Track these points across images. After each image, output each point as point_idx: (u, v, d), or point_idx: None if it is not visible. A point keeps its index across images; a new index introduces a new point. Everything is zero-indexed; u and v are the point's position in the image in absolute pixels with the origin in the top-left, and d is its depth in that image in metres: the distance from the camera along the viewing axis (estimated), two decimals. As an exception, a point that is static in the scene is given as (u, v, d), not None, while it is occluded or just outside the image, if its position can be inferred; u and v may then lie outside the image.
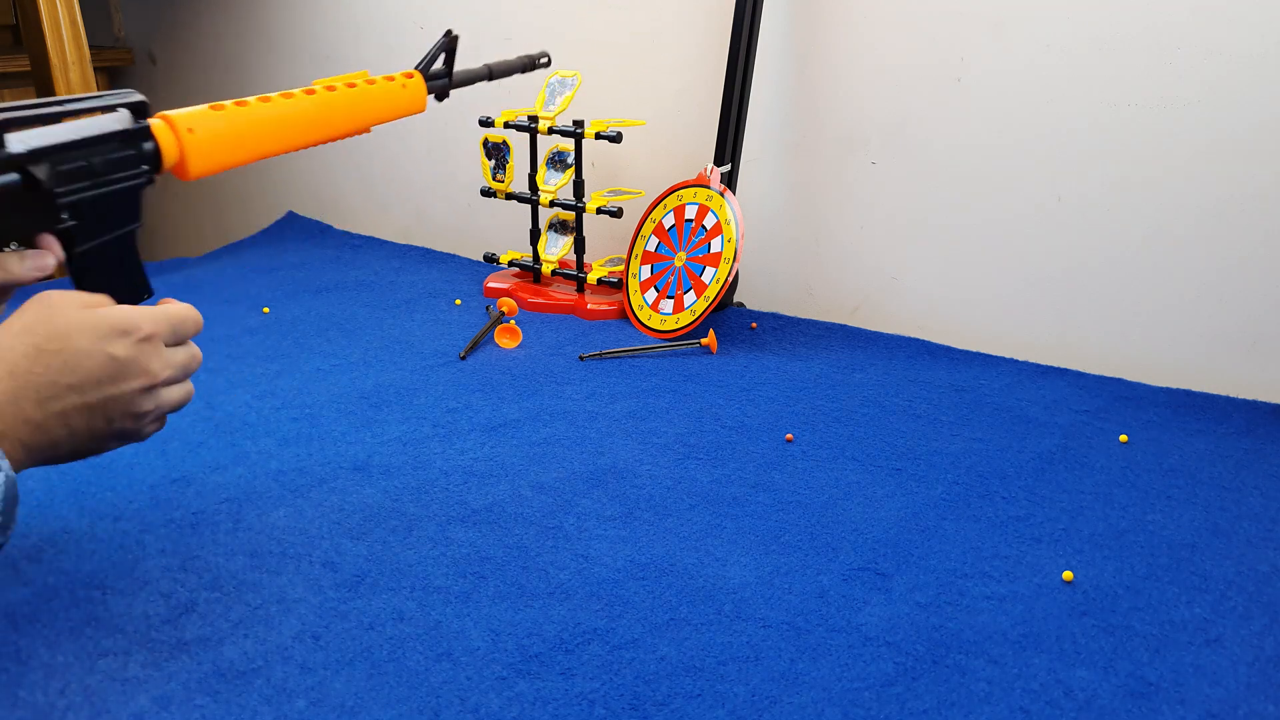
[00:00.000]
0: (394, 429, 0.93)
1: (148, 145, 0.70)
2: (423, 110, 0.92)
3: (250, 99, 0.78)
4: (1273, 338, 1.02)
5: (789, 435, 0.92)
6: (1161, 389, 1.02)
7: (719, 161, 1.22)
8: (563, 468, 0.86)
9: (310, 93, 0.82)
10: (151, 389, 0.64)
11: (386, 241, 1.61)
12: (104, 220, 0.68)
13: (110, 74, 2.11)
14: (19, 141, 0.63)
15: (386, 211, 1.74)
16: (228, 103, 0.76)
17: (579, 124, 1.22)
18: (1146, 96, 1.04)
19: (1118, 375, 1.07)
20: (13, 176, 0.63)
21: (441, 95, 0.96)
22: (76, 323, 0.62)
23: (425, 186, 1.67)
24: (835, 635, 0.64)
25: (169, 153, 0.71)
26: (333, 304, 1.29)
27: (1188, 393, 1.00)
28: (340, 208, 1.79)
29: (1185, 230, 1.04)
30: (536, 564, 0.72)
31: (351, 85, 0.86)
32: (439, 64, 0.95)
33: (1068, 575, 0.70)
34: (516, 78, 1.50)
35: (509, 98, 1.51)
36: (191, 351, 0.68)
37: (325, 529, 0.76)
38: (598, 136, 1.22)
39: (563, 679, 0.60)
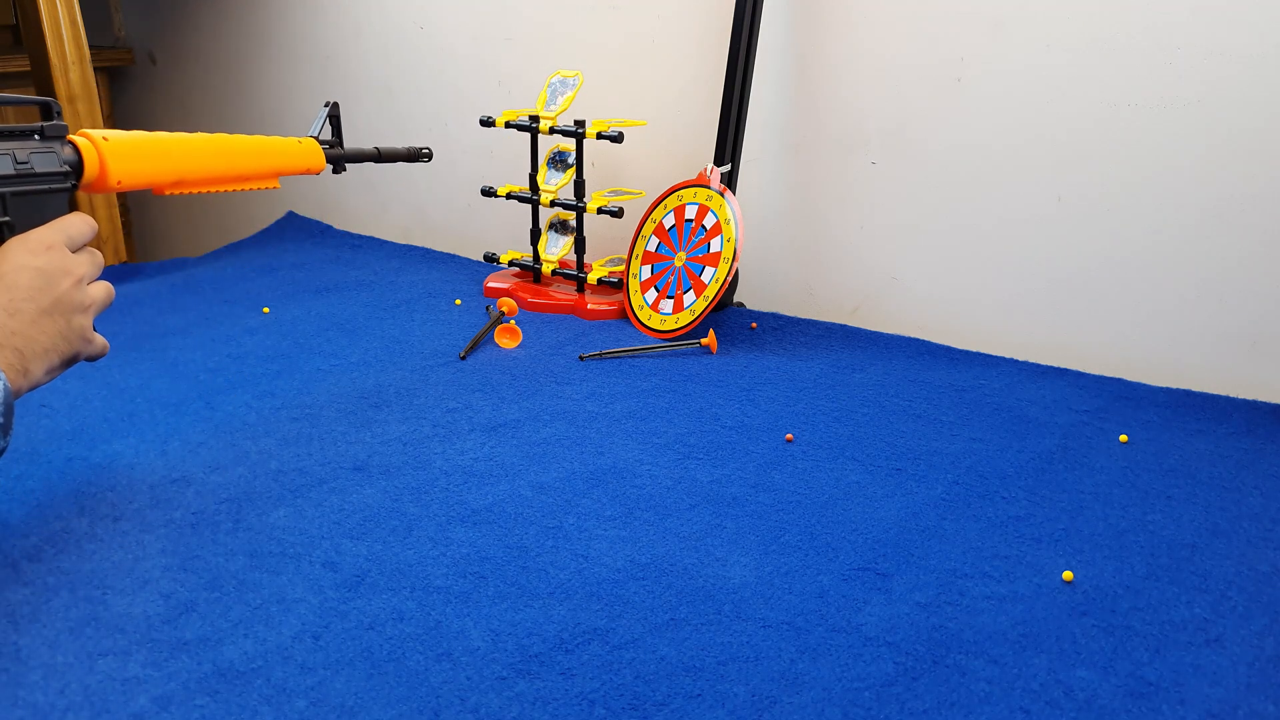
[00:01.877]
0: (394, 429, 0.93)
1: (67, 150, 0.78)
2: (320, 171, 1.02)
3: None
4: (1273, 338, 1.02)
5: (789, 435, 0.92)
6: (1161, 389, 1.02)
7: (719, 161, 1.22)
8: (563, 468, 0.86)
9: (215, 135, 0.92)
10: (79, 283, 0.74)
11: (386, 241, 1.62)
12: (35, 224, 0.76)
13: (110, 74, 2.11)
14: None
15: (386, 211, 1.74)
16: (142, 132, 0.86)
17: (580, 124, 1.22)
18: (1146, 96, 1.04)
19: (1118, 375, 1.07)
20: None
21: (338, 167, 1.05)
22: (8, 251, 0.73)
23: (425, 186, 1.67)
24: (835, 635, 0.64)
25: (90, 161, 0.79)
26: (333, 304, 1.29)
27: (1188, 393, 1.00)
28: (340, 208, 1.79)
29: (1185, 230, 1.04)
30: (536, 564, 0.72)
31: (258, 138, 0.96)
32: (326, 132, 1.04)
33: (1068, 575, 0.70)
34: (520, 77, 1.51)
35: (510, 98, 1.51)
36: (92, 252, 0.77)
37: (325, 529, 0.76)
38: (599, 136, 1.22)
39: (563, 679, 0.60)
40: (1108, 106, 1.06)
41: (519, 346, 1.15)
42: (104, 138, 0.80)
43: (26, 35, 1.48)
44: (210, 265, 1.49)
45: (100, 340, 0.78)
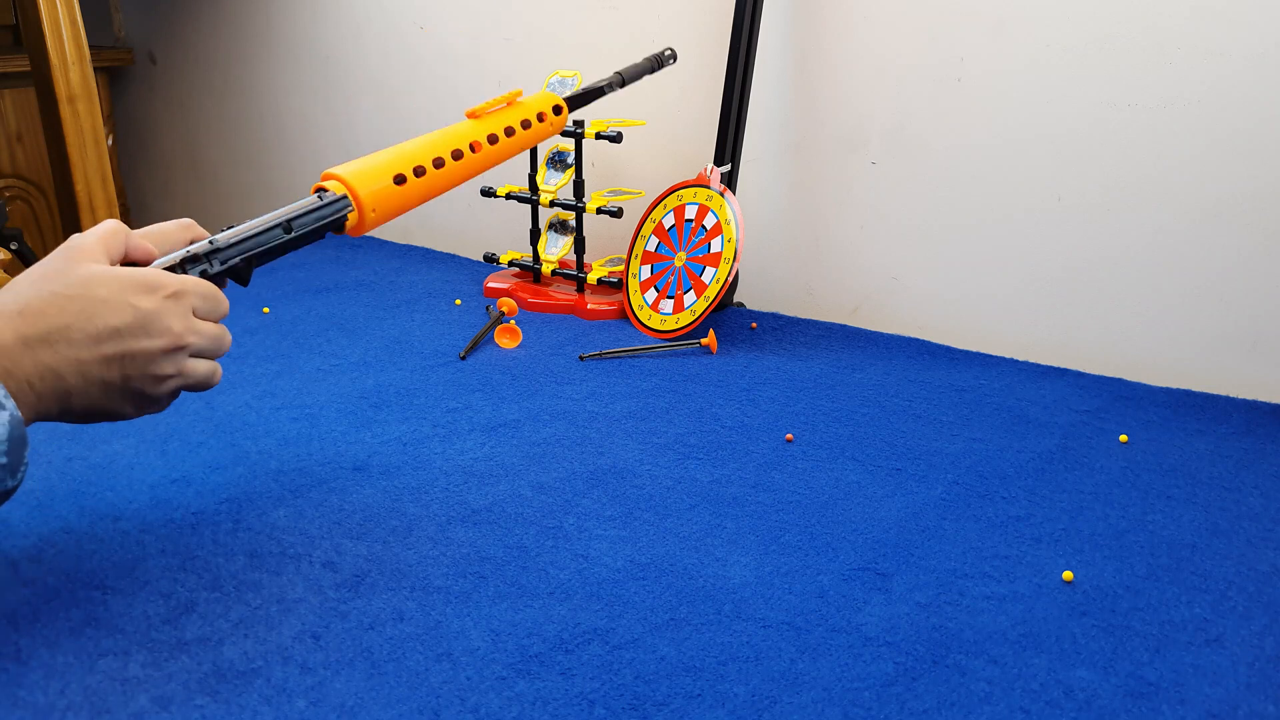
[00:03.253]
0: (394, 429, 0.93)
1: (334, 225, 0.78)
2: (557, 133, 0.96)
3: (426, 156, 0.83)
4: (1273, 338, 1.02)
5: (789, 435, 0.92)
6: (1161, 389, 1.02)
7: (719, 161, 1.22)
8: (563, 468, 0.86)
9: (477, 148, 0.87)
10: (175, 351, 0.63)
11: (386, 241, 1.62)
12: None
13: (110, 74, 2.11)
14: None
15: (386, 211, 1.74)
16: (408, 167, 0.82)
17: (579, 124, 1.22)
18: (1146, 96, 1.04)
19: (1118, 375, 1.07)
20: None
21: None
22: (99, 273, 0.61)
23: (425, 186, 1.67)
24: (835, 635, 0.64)
25: (350, 224, 0.78)
26: (333, 304, 1.29)
27: (1188, 393, 1.00)
28: (340, 208, 1.79)
29: (1185, 230, 1.04)
30: (536, 564, 0.72)
31: (510, 131, 0.90)
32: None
33: (1068, 575, 0.70)
34: (519, 76, 1.51)
35: (509, 98, 1.51)
36: (222, 329, 0.67)
37: (325, 529, 0.76)
38: (598, 136, 1.22)
39: (563, 679, 0.60)
40: (1108, 106, 1.06)
41: (519, 346, 1.15)
42: (373, 210, 0.78)
43: (26, 35, 1.48)
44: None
45: (168, 401, 0.66)
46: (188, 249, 0.70)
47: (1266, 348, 1.03)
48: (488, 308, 1.27)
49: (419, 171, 0.82)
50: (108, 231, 0.65)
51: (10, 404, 0.57)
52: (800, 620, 0.66)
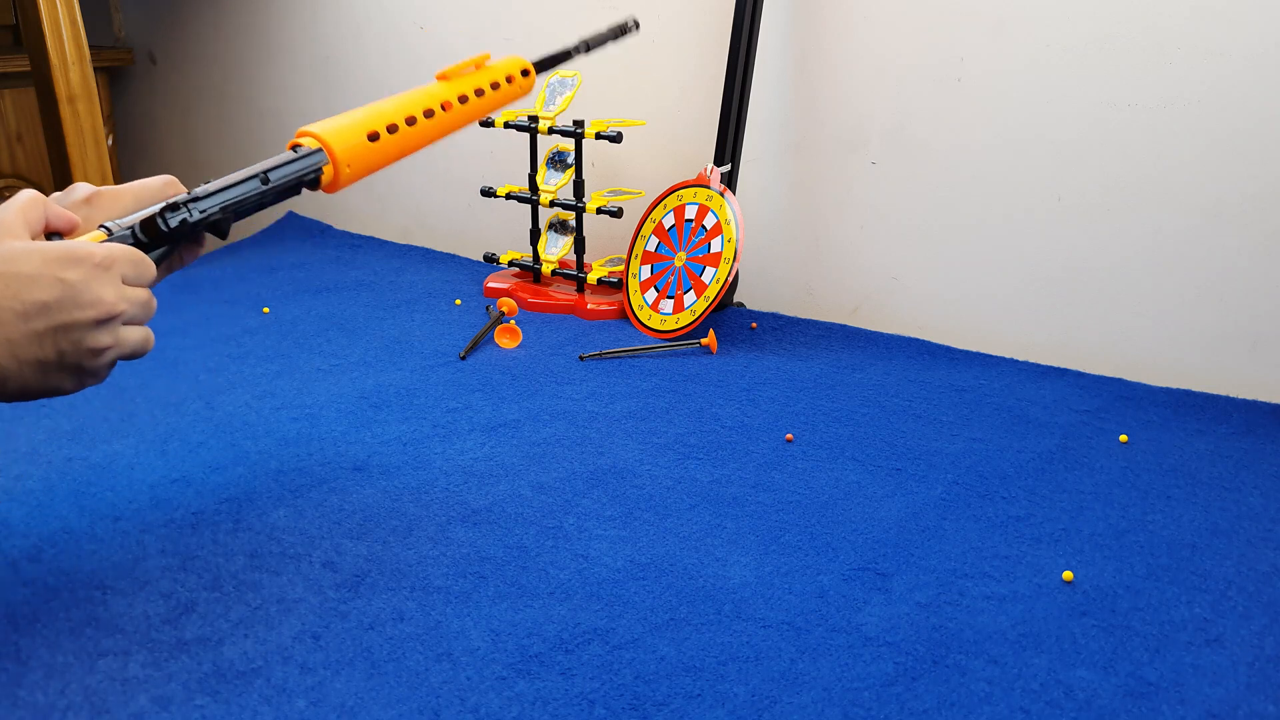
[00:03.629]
0: (394, 429, 0.93)
1: (310, 180, 0.77)
2: (524, 97, 0.96)
3: (399, 114, 0.84)
4: (1273, 338, 1.02)
5: (789, 435, 0.92)
6: (1161, 389, 1.02)
7: (719, 161, 1.22)
8: (563, 468, 0.86)
9: (448, 107, 0.88)
10: (108, 321, 0.61)
11: (386, 241, 1.61)
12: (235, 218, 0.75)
13: (110, 74, 2.11)
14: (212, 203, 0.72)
15: (386, 211, 1.74)
16: (381, 125, 0.82)
17: (579, 124, 1.22)
18: (1146, 96, 1.04)
19: (1118, 375, 1.07)
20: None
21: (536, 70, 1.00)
22: (21, 249, 0.59)
23: (425, 186, 1.67)
24: (835, 635, 0.64)
25: (324, 180, 0.77)
26: (333, 304, 1.29)
27: (1188, 393, 1.00)
28: (340, 208, 1.79)
29: (1185, 230, 1.04)
30: (536, 564, 0.72)
31: (480, 91, 0.90)
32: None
33: (1068, 575, 0.70)
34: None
35: (509, 98, 1.51)
36: (150, 294, 0.65)
37: (325, 529, 0.76)
38: (598, 136, 1.22)
39: (563, 679, 0.60)
40: (1108, 106, 1.06)
41: (519, 346, 1.15)
42: (348, 165, 0.78)
43: (26, 35, 1.48)
44: (210, 265, 1.49)
45: (107, 370, 0.63)
46: (168, 200, 0.70)
47: (1266, 348, 1.03)
48: (488, 308, 1.27)
49: (392, 129, 0.83)
50: (25, 204, 0.63)
51: None
52: (800, 620, 0.66)
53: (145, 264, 0.65)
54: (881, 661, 0.62)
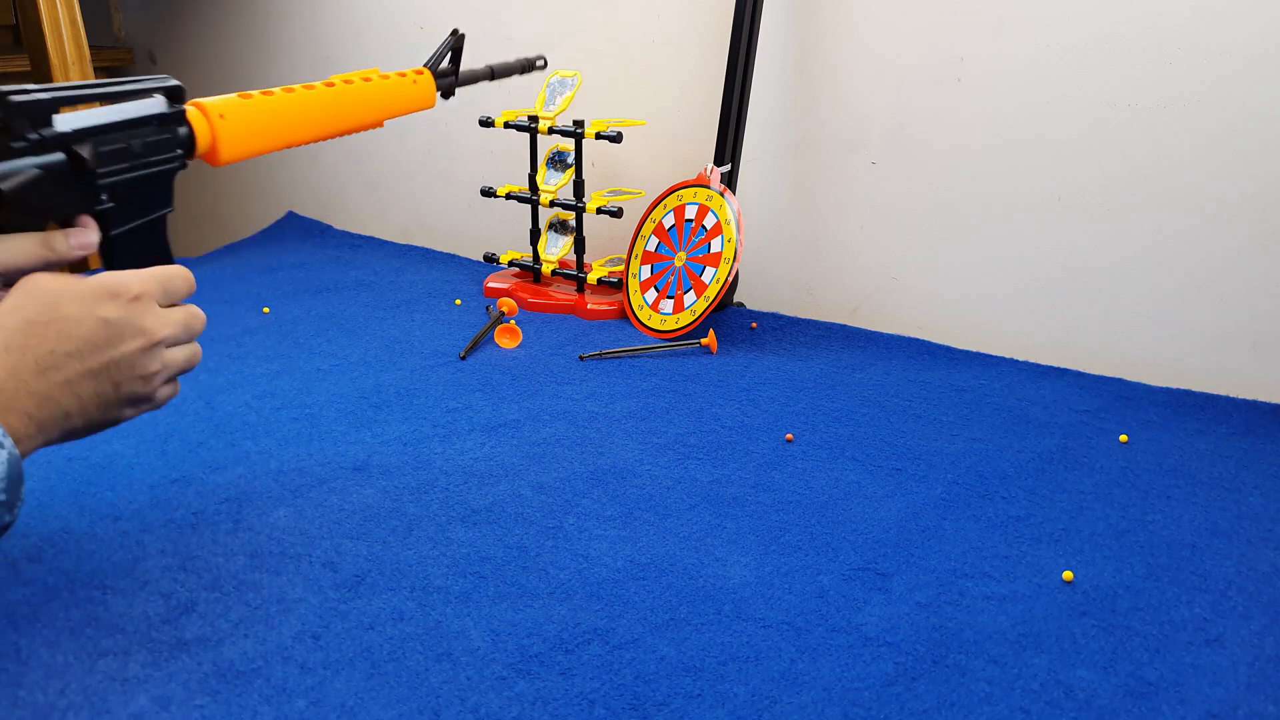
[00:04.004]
0: (394, 429, 0.93)
1: (182, 130, 0.72)
2: (431, 106, 0.95)
3: (274, 89, 0.82)
4: (1273, 338, 1.02)
5: (789, 435, 0.92)
6: (1161, 389, 1.02)
7: (719, 161, 1.22)
8: (563, 468, 0.86)
9: (329, 85, 0.85)
10: (152, 348, 0.64)
11: (386, 241, 1.61)
12: (139, 203, 0.69)
13: (110, 74, 2.11)
14: (65, 122, 0.64)
15: (386, 211, 1.74)
16: (254, 92, 0.79)
17: (579, 124, 1.22)
18: (1146, 96, 1.04)
19: (1118, 375, 1.07)
20: (59, 156, 0.64)
21: (448, 93, 0.99)
22: (63, 292, 0.61)
23: (425, 186, 1.67)
24: (835, 635, 0.64)
25: (202, 138, 0.73)
26: (333, 304, 1.29)
27: (1188, 393, 1.00)
28: (340, 208, 1.79)
29: (1185, 230, 1.05)
30: (536, 564, 0.72)
31: (366, 79, 0.89)
32: (446, 62, 0.98)
33: (1068, 575, 0.70)
34: (517, 78, 1.51)
35: (509, 98, 1.51)
36: (190, 310, 0.67)
37: (325, 529, 0.76)
38: (598, 136, 1.22)
39: (563, 679, 0.60)
40: (1108, 106, 1.06)
41: (519, 346, 1.15)
42: (220, 115, 0.74)
43: (26, 35, 1.48)
44: (210, 265, 1.49)
45: (164, 394, 0.67)
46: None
47: (1266, 348, 1.03)
48: (488, 308, 1.27)
49: (268, 94, 0.80)
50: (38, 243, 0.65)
51: (9, 442, 0.57)
52: (800, 620, 0.66)
53: (176, 281, 0.67)
54: (881, 661, 0.62)
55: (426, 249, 1.58)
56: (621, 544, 0.74)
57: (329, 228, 1.69)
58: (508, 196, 1.32)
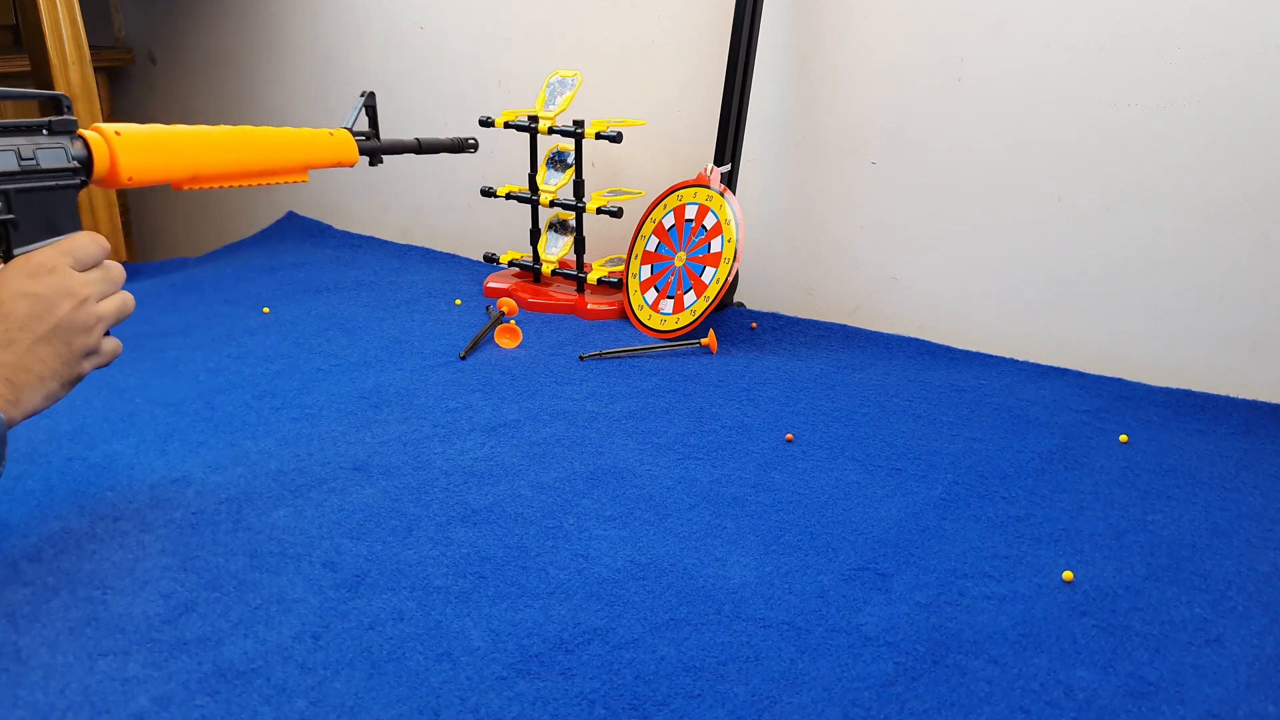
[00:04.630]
0: (394, 429, 0.93)
1: (77, 145, 0.75)
2: (354, 163, 0.97)
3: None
4: (1273, 338, 1.02)
5: (789, 435, 0.92)
6: (1161, 389, 1.02)
7: (719, 161, 1.22)
8: (563, 468, 0.86)
9: (238, 127, 0.88)
10: (82, 304, 0.72)
11: (386, 241, 1.62)
12: (41, 221, 0.74)
13: (110, 74, 2.11)
14: None
15: (386, 211, 1.74)
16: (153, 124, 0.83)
17: (579, 124, 1.22)
18: (1146, 96, 1.04)
19: (1118, 375, 1.07)
20: None
21: (374, 158, 1.01)
22: None
23: (425, 186, 1.67)
24: (835, 635, 0.64)
25: (100, 156, 0.76)
26: (333, 304, 1.29)
27: (1188, 393, 1.00)
28: (340, 208, 1.79)
29: (1185, 230, 1.04)
30: (536, 564, 0.72)
31: (284, 129, 0.92)
32: (362, 123, 1.00)
33: (1068, 575, 0.70)
34: (519, 76, 1.51)
35: (509, 98, 1.51)
36: (105, 266, 0.75)
37: (325, 529, 0.76)
38: (598, 136, 1.22)
39: (563, 679, 0.60)
40: (1108, 106, 1.06)
41: (519, 346, 1.15)
42: (116, 132, 0.77)
43: (26, 35, 1.48)
44: (210, 265, 1.49)
45: (109, 347, 0.76)
46: None
47: (1266, 348, 1.03)
48: (488, 308, 1.27)
49: (172, 127, 0.82)
50: None
51: None
52: (800, 620, 0.66)
53: (83, 247, 0.74)
54: (881, 661, 0.62)
55: (426, 249, 1.58)
56: (621, 544, 0.74)
57: (329, 228, 1.69)
58: (508, 196, 1.32)
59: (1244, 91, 0.99)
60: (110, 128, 0.78)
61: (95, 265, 0.75)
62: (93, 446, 0.88)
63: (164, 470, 0.84)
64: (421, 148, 1.05)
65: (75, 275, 0.73)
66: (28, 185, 0.72)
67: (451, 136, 1.10)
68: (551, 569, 0.71)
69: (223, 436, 0.91)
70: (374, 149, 0.99)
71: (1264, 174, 0.99)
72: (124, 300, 0.76)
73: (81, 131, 0.76)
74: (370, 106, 0.99)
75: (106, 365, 0.77)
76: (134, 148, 0.78)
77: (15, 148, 0.72)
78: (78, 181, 0.75)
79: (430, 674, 0.60)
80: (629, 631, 0.64)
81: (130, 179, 0.78)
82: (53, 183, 0.73)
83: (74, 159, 0.74)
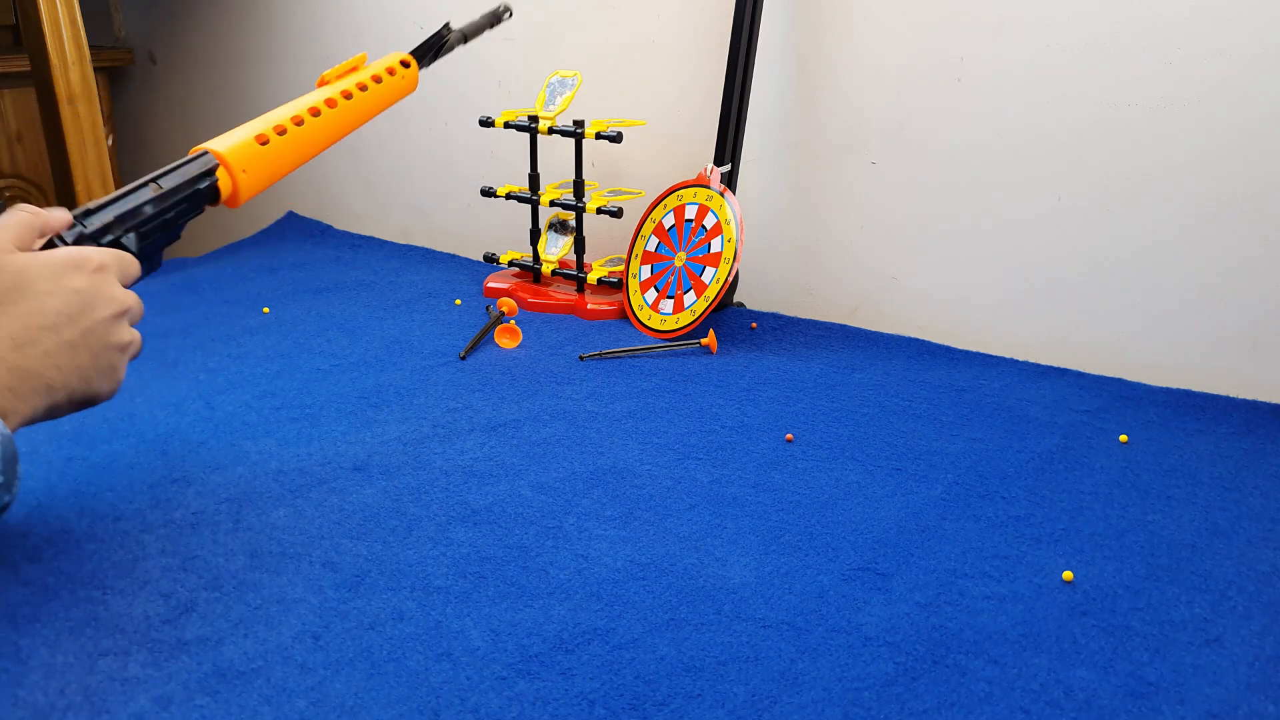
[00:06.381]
0: (394, 429, 0.93)
1: (208, 188, 0.80)
2: (414, 91, 0.99)
3: (283, 118, 0.86)
4: (1273, 338, 1.02)
5: (789, 435, 0.92)
6: (1161, 389, 1.02)
7: (719, 161, 1.22)
8: (563, 468, 0.86)
9: (331, 104, 0.90)
10: (121, 316, 0.65)
11: (386, 241, 1.61)
12: (160, 239, 0.77)
13: (110, 74, 2.11)
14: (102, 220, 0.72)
15: (386, 211, 1.74)
16: (268, 128, 0.85)
17: (579, 124, 1.22)
18: (1146, 96, 1.04)
19: (1118, 375, 1.07)
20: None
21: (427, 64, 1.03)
22: (28, 268, 0.62)
23: (425, 186, 1.67)
24: (835, 635, 0.64)
25: (225, 191, 0.81)
26: (333, 304, 1.29)
27: (1188, 393, 1.00)
28: (340, 208, 1.79)
29: (1185, 230, 1.04)
30: (536, 564, 0.72)
31: (363, 87, 0.93)
32: (429, 55, 1.01)
33: (1068, 575, 0.70)
34: (519, 76, 1.51)
35: (509, 98, 1.51)
36: (136, 296, 0.70)
37: (325, 529, 0.76)
38: (598, 136, 1.22)
39: (563, 679, 0.60)
40: (1108, 106, 1.06)
41: (519, 346, 1.15)
42: (243, 170, 0.81)
43: (26, 35, 1.48)
44: (210, 265, 1.49)
45: (122, 375, 0.68)
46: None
47: (1266, 348, 1.03)
48: (488, 308, 1.27)
49: (281, 131, 0.85)
50: (15, 222, 0.66)
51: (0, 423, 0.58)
52: (800, 620, 0.66)
53: (130, 263, 0.70)
54: (881, 661, 0.62)
55: (426, 249, 1.58)
56: (621, 544, 0.74)
57: (329, 228, 1.69)
58: (508, 196, 1.32)
59: (1244, 91, 0.99)
60: (238, 164, 0.80)
61: (129, 284, 0.69)
62: (93, 446, 0.88)
63: (164, 470, 0.84)
64: (466, 38, 1.06)
65: (119, 284, 0.66)
66: (164, 227, 0.77)
67: (484, 14, 1.10)
68: (551, 569, 0.71)
69: (223, 436, 0.91)
70: (417, 53, 1.01)
71: (1264, 174, 1.00)
72: (139, 339, 0.70)
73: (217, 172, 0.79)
74: (443, 42, 1.01)
75: (110, 398, 0.68)
76: (252, 186, 0.82)
77: (163, 216, 0.76)
78: (199, 213, 0.80)
79: (430, 674, 0.60)
80: (629, 631, 0.64)
81: (241, 204, 0.83)
82: (182, 222, 0.78)
83: (204, 203, 0.80)
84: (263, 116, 0.87)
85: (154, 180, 0.76)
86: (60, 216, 0.69)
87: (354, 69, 0.94)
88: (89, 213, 0.72)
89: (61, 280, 0.62)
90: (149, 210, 0.75)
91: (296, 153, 0.86)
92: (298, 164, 0.87)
